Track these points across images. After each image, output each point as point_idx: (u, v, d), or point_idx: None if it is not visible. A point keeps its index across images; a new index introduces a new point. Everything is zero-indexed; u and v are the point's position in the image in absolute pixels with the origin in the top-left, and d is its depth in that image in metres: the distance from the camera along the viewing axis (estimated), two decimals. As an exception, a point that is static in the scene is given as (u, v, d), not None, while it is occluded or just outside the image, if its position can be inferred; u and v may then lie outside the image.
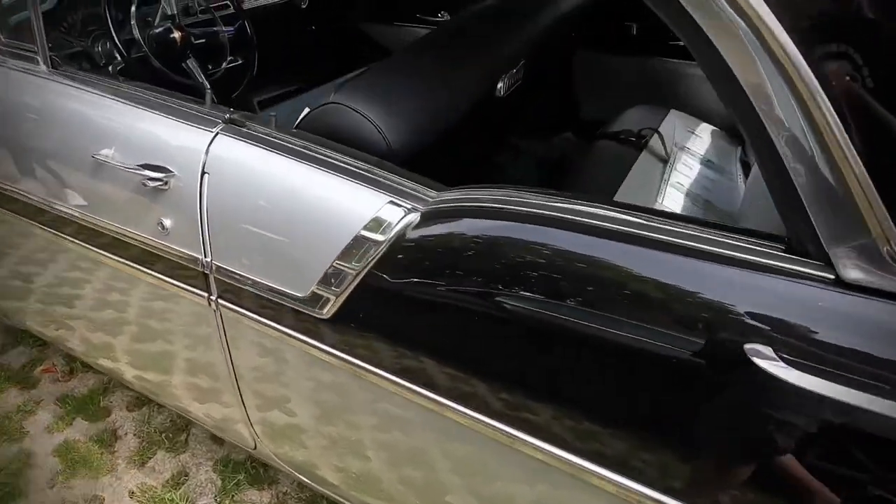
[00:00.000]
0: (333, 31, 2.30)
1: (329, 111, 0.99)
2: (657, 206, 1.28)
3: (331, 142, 0.93)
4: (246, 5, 1.87)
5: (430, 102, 1.05)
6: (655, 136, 1.50)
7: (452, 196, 0.82)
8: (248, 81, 1.75)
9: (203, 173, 0.98)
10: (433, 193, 0.84)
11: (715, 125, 1.77)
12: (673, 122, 1.67)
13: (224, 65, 1.67)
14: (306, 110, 1.04)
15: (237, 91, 1.73)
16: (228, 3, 1.76)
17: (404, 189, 0.85)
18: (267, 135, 0.96)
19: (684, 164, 1.45)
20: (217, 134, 0.98)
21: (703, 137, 1.66)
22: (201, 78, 1.55)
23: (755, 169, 1.30)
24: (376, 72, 1.14)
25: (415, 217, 0.82)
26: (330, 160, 0.90)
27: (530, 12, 1.41)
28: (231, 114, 1.00)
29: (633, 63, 1.85)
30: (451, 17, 2.06)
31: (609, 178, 1.34)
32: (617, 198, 1.27)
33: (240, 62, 1.73)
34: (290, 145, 0.93)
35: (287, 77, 2.07)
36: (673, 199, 1.32)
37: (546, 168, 1.73)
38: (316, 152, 0.91)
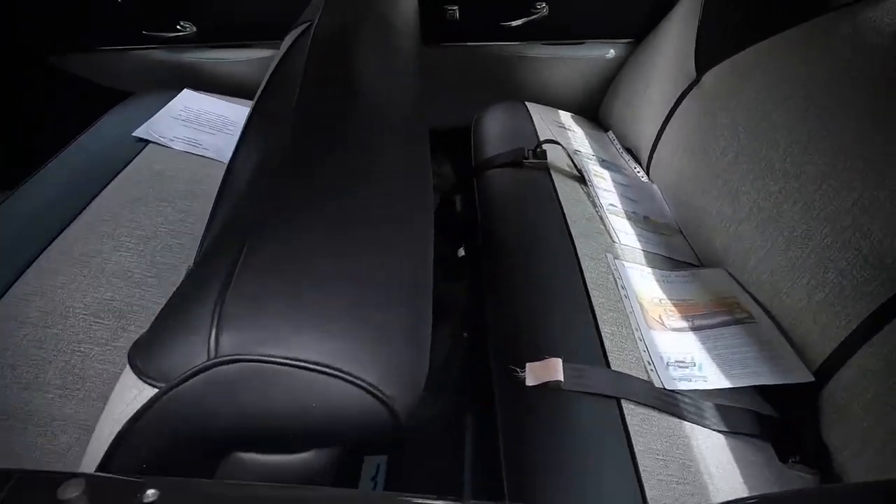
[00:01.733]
0: (13, 74, 1.48)
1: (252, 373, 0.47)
2: (619, 247, 1.04)
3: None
4: None
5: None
6: (554, 148, 1.24)
7: None
8: None
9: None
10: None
11: (572, 111, 1.58)
12: (541, 121, 1.42)
13: None
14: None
15: None
16: None
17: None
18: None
19: (596, 175, 1.23)
20: None
21: (576, 131, 1.45)
22: None
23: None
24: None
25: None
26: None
27: None
28: None
29: (459, 53, 1.53)
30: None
31: (547, 227, 1.04)
32: (578, 244, 0.98)
33: None
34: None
35: None
36: (624, 232, 1.09)
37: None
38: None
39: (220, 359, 0.37)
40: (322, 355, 0.38)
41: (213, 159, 1.23)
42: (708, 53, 1.20)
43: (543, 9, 1.45)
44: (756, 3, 1.15)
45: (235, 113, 1.39)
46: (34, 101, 1.58)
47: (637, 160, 1.38)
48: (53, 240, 0.95)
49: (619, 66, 1.54)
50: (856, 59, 0.87)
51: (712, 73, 1.17)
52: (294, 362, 0.37)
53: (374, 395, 0.38)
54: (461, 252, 1.29)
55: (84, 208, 1.02)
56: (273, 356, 0.37)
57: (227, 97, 1.44)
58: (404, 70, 0.82)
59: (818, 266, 0.82)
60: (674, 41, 1.33)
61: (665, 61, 1.34)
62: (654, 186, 1.28)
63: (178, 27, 1.46)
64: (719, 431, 0.77)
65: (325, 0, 0.87)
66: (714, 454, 0.73)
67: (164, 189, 1.10)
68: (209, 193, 1.10)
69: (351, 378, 0.38)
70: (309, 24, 0.83)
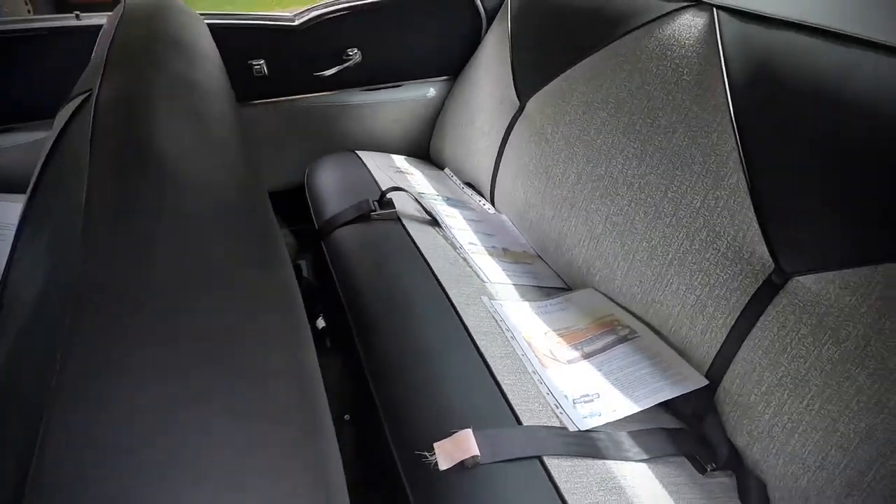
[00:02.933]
0: None
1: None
2: (491, 286, 0.99)
3: None
4: None
5: None
6: (398, 195, 1.17)
7: None
8: None
9: None
10: None
11: (403, 153, 1.54)
12: (377, 168, 1.35)
13: None
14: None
15: None
16: None
17: None
18: None
19: (447, 216, 1.18)
20: None
21: (415, 173, 1.40)
22: None
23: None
24: None
25: None
26: None
27: None
28: None
29: (277, 108, 1.41)
30: None
31: (414, 282, 0.96)
32: (451, 293, 0.92)
33: None
34: None
35: None
36: (491, 270, 1.05)
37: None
38: None
39: None
40: None
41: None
42: (525, 83, 1.23)
43: (356, 55, 1.39)
44: (556, 35, 1.20)
45: (3, 212, 1.12)
46: None
47: (479, 193, 1.37)
48: None
49: (441, 102, 1.53)
50: (662, 69, 0.92)
51: (534, 100, 1.19)
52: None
53: None
54: (321, 323, 1.15)
55: None
56: None
57: (-9, 195, 1.16)
58: (219, 133, 0.69)
59: (683, 270, 0.84)
60: (491, 74, 1.35)
61: (486, 94, 1.35)
62: (503, 216, 1.28)
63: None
64: (640, 461, 0.74)
65: (105, 63, 0.70)
66: (645, 487, 0.70)
67: None
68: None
69: None
70: (87, 93, 0.66)
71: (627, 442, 0.74)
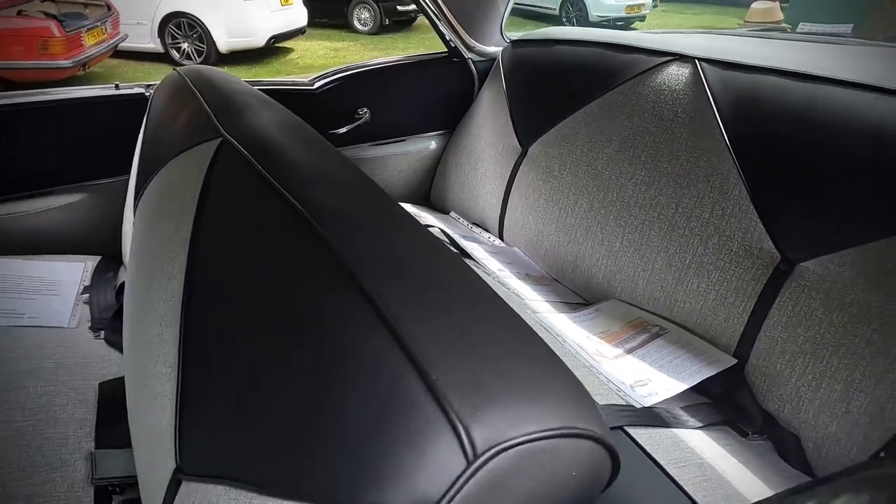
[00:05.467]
0: None
1: None
2: (530, 303, 1.12)
3: None
4: None
5: None
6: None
7: None
8: None
9: None
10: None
11: (406, 201, 1.67)
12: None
13: None
14: None
15: None
16: None
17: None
18: None
19: (472, 249, 1.31)
20: None
21: (428, 217, 1.53)
22: None
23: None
24: None
25: None
26: None
27: None
28: None
29: None
30: None
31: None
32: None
33: None
34: None
35: None
36: (522, 288, 1.18)
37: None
38: None
39: (483, 457, 0.31)
40: (565, 419, 0.35)
41: (45, 326, 1.00)
42: (526, 131, 1.40)
43: (365, 114, 1.54)
44: (551, 90, 1.39)
45: (50, 271, 1.15)
46: None
47: (487, 231, 1.51)
48: None
49: (441, 153, 1.69)
50: (658, 109, 1.11)
51: (537, 145, 1.36)
52: (547, 433, 0.33)
53: (600, 443, 0.36)
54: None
55: None
56: (530, 434, 0.33)
57: (31, 256, 1.19)
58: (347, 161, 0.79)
59: (701, 271, 1.00)
60: (489, 125, 1.52)
61: (487, 143, 1.52)
62: (515, 248, 1.42)
63: (-55, 185, 1.18)
64: (696, 428, 0.86)
65: (212, 114, 0.80)
66: (707, 448, 0.82)
67: (6, 376, 0.86)
68: (64, 364, 0.90)
69: (586, 432, 0.36)
70: (214, 140, 0.75)
71: (683, 414, 0.87)
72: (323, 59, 6.65)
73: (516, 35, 1.58)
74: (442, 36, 1.58)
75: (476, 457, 0.32)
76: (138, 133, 1.10)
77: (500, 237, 1.47)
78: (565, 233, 1.26)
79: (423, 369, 0.36)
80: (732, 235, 0.97)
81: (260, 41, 6.08)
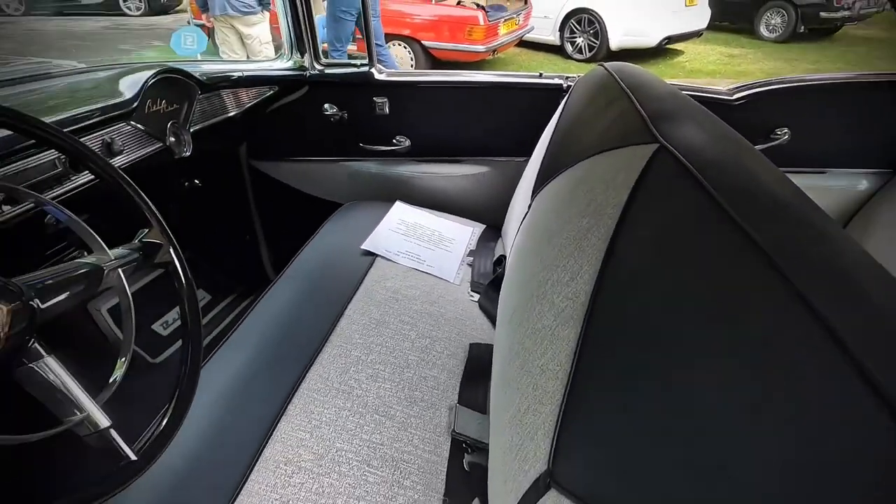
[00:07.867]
0: (224, 174, 1.51)
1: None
2: None
3: None
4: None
5: None
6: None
7: None
8: None
9: None
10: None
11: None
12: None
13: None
14: None
15: None
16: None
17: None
18: None
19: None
20: None
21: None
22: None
23: None
24: None
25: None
26: None
27: None
28: None
29: None
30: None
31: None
32: None
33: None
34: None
35: None
36: None
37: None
38: None
39: None
40: None
41: (436, 276, 1.14)
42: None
43: (785, 135, 1.34)
44: None
45: (448, 229, 1.32)
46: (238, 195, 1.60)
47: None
48: (310, 364, 0.86)
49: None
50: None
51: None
52: None
53: None
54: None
55: (332, 330, 0.94)
56: None
57: (437, 211, 1.39)
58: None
59: None
60: None
61: None
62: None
63: (395, 141, 1.45)
64: None
65: (647, 118, 0.76)
66: None
67: (403, 310, 1.01)
68: (445, 315, 1.01)
69: None
70: (650, 145, 0.70)
71: None
72: (714, 65, 6.20)
73: None
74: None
75: None
76: (548, 121, 1.16)
77: None
78: None
79: None
80: None
81: (652, 41, 5.98)
